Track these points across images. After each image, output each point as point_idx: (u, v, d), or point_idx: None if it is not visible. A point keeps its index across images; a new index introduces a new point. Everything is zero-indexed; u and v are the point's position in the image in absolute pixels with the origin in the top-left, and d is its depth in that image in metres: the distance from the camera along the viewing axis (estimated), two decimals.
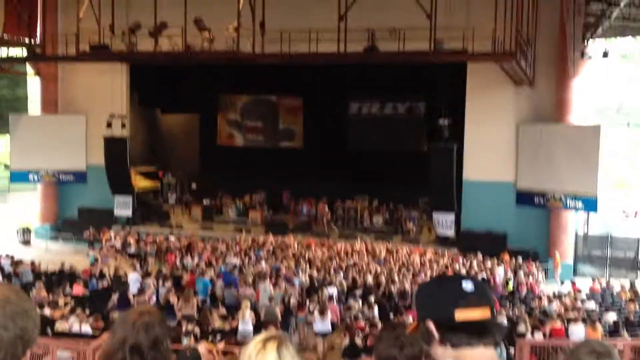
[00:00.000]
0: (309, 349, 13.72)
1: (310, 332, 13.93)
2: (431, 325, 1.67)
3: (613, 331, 12.48)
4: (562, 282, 19.71)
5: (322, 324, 13.35)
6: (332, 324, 13.70)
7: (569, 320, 12.59)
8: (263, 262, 18.98)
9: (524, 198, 22.79)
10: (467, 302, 1.64)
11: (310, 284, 16.91)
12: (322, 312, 13.37)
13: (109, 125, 24.87)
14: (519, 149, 22.94)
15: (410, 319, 12.90)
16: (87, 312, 13.21)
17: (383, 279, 17.51)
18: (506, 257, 21.27)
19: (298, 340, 13.97)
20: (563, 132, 21.96)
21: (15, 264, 18.58)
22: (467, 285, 1.66)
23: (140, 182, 28.23)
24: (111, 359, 2.37)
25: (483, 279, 17.46)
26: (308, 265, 18.83)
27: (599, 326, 12.28)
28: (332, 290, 15.62)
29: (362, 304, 15.02)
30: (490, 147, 23.11)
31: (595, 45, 21.63)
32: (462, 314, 1.63)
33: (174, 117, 32.85)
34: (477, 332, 1.62)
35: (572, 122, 22.17)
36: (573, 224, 22.75)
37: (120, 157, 25.50)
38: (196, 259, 19.60)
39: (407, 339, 2.67)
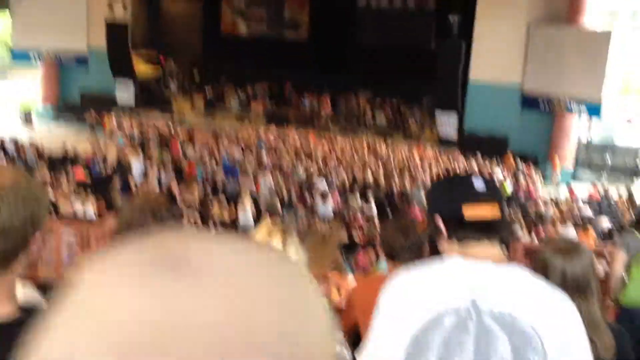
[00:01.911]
0: (312, 233, 14.26)
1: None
2: (439, 221, 1.68)
3: (606, 235, 12.69)
4: (559, 185, 19.87)
5: (324, 208, 14.26)
6: (334, 211, 14.47)
7: (563, 224, 12.80)
8: (264, 154, 19.06)
9: (529, 102, 22.56)
10: (476, 199, 1.63)
11: (307, 178, 17.04)
12: (324, 197, 14.31)
13: (110, 7, 24.22)
14: (528, 51, 22.45)
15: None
16: (91, 195, 13.39)
17: (382, 177, 17.63)
18: (509, 160, 21.36)
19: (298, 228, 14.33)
20: (573, 35, 21.42)
21: (19, 146, 18.66)
22: (477, 182, 1.65)
23: (141, 68, 27.83)
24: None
25: None
26: (308, 160, 18.91)
27: (591, 230, 12.50)
28: (323, 185, 15.87)
29: (361, 201, 15.22)
30: (499, 47, 22.59)
31: None
32: (471, 210, 1.62)
33: (177, 2, 31.90)
34: (484, 229, 1.63)
35: (584, 25, 21.57)
36: (576, 130, 22.66)
37: (122, 41, 25.05)
38: (198, 148, 19.67)
39: (411, 226, 2.71)
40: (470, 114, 23.31)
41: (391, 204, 15.66)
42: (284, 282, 0.47)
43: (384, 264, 3.16)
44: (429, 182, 16.69)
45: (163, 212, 2.41)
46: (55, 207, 12.33)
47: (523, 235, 12.17)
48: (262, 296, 0.44)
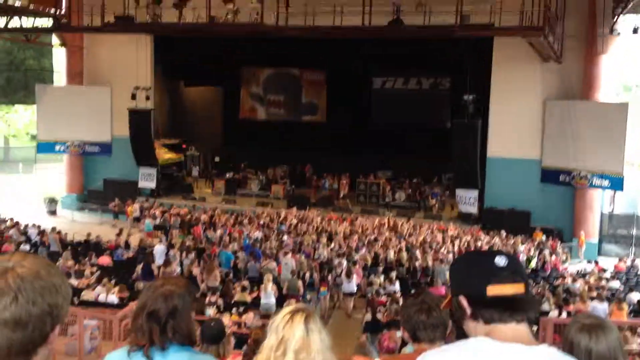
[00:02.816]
0: (338, 307, 15.21)
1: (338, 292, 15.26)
2: (463, 300, 1.66)
3: (638, 310, 12.34)
4: (588, 262, 19.56)
5: (348, 285, 14.85)
6: (357, 286, 15.09)
7: (593, 299, 12.49)
8: (285, 236, 19.08)
9: (549, 176, 22.54)
10: (500, 278, 1.62)
11: (329, 260, 16.98)
12: (349, 275, 14.83)
13: (134, 97, 25.03)
14: (545, 126, 22.64)
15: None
16: (113, 282, 13.41)
17: (405, 254, 17.50)
18: (539, 235, 21.16)
19: (321, 312, 14.18)
20: (589, 109, 21.62)
21: (42, 233, 18.89)
22: (501, 261, 1.64)
23: (164, 155, 28.45)
24: (133, 323, 2.43)
25: None
26: (329, 241, 18.87)
27: (624, 305, 12.17)
28: (343, 263, 15.98)
29: (384, 279, 15.07)
30: (515, 124, 22.84)
31: (624, 21, 21.12)
32: (495, 290, 1.61)
33: (197, 90, 32.92)
34: (510, 308, 1.60)
35: (599, 99, 21.79)
36: (599, 202, 22.48)
37: (145, 129, 25.69)
38: (219, 232, 19.75)
39: (433, 304, 2.66)
40: (490, 189, 23.28)
41: (414, 282, 15.47)
42: None
43: (410, 347, 3.09)
44: (451, 259, 16.52)
45: (176, 297, 2.41)
46: (78, 294, 12.34)
47: (552, 311, 11.87)
48: None
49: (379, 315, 12.49)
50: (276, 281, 14.07)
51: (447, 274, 14.89)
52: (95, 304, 11.94)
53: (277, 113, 32.47)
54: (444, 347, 1.62)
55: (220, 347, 4.78)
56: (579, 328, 2.29)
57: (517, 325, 1.60)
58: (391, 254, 17.49)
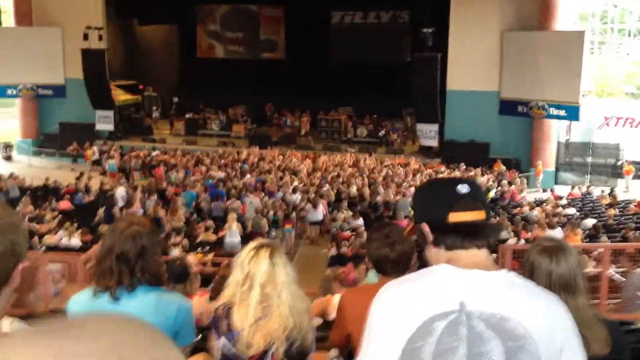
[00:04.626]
0: (304, 237, 15.80)
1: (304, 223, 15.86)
2: (425, 228, 1.68)
3: (592, 236, 12.79)
4: (543, 190, 20.08)
5: (314, 214, 15.53)
6: (323, 216, 15.64)
7: (549, 226, 12.88)
8: (248, 175, 19.05)
9: (508, 107, 22.78)
10: (461, 205, 1.63)
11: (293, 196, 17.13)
12: (315, 205, 15.46)
13: (86, 37, 24.22)
14: (503, 58, 22.72)
15: None
16: (75, 225, 13.28)
17: (367, 190, 17.69)
18: (499, 166, 21.55)
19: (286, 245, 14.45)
20: (546, 39, 21.69)
21: (0, 180, 18.48)
22: (462, 188, 1.65)
23: (120, 96, 27.80)
24: (100, 266, 2.40)
25: None
26: (292, 178, 18.92)
27: (578, 230, 12.59)
28: (296, 197, 16.51)
29: (348, 214, 15.28)
30: (474, 56, 22.86)
31: None
32: (456, 216, 1.62)
33: (152, 29, 31.92)
34: (471, 234, 1.62)
35: (556, 29, 21.88)
36: (555, 132, 22.89)
37: (99, 70, 25.01)
38: (181, 173, 19.60)
39: (397, 237, 2.69)
40: (450, 123, 23.49)
41: (377, 216, 15.72)
42: None
43: (372, 276, 3.14)
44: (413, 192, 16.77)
45: (144, 237, 2.40)
46: (40, 239, 12.20)
47: (510, 239, 12.24)
48: None
49: (344, 249, 12.72)
50: (240, 220, 14.12)
51: (409, 207, 15.26)
52: (58, 248, 11.85)
53: (236, 51, 31.85)
54: (406, 277, 1.64)
55: (187, 285, 4.81)
56: (540, 251, 2.35)
57: (478, 251, 1.63)
58: (354, 190, 17.66)
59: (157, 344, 0.58)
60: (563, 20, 22.15)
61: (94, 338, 0.50)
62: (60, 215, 14.58)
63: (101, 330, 0.53)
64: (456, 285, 1.53)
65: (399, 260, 2.68)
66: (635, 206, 16.52)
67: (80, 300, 2.42)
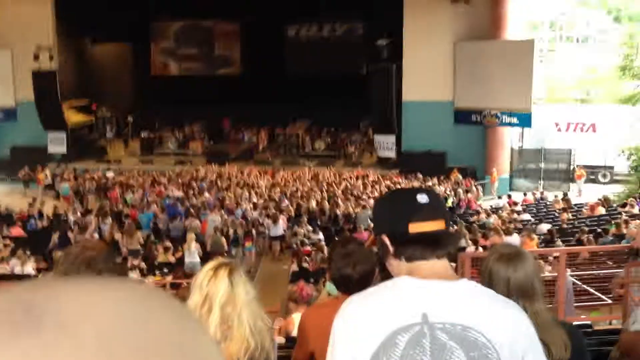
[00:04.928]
0: (265, 253, 15.75)
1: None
2: (386, 239, 1.66)
3: (548, 240, 13.05)
4: (499, 197, 20.43)
5: (275, 229, 15.53)
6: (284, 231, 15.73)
7: (506, 233, 13.10)
8: (206, 193, 18.86)
9: (462, 116, 23.14)
10: (421, 215, 1.62)
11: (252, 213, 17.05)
12: (275, 220, 15.46)
13: (36, 57, 23.75)
14: (456, 68, 23.10)
15: None
16: (28, 253, 12.91)
17: (327, 203, 17.70)
18: (455, 175, 21.84)
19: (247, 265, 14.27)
20: (498, 48, 22.17)
21: None
22: (422, 198, 1.64)
23: (73, 117, 27.21)
24: None
25: None
26: (251, 194, 18.82)
27: (534, 236, 12.83)
28: (256, 214, 16.61)
29: (307, 229, 15.25)
30: (428, 67, 23.17)
31: None
32: (416, 227, 1.62)
33: (105, 48, 31.43)
34: (431, 244, 1.62)
35: (507, 38, 22.38)
36: (509, 139, 23.34)
37: (50, 91, 24.46)
38: (137, 194, 19.29)
39: (359, 257, 2.67)
40: (406, 133, 23.73)
41: (337, 230, 15.74)
42: (148, 321, 0.41)
43: (331, 286, 3.11)
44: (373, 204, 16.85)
45: (100, 262, 2.31)
46: None
47: (468, 247, 12.38)
48: (125, 342, 0.39)
49: (305, 265, 12.68)
50: (200, 239, 13.95)
51: (369, 219, 15.32)
52: (12, 276, 11.49)
53: (191, 67, 31.68)
54: (368, 290, 1.63)
55: None
56: (497, 258, 2.36)
57: (438, 261, 1.62)
58: (313, 204, 17.65)
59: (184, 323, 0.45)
60: (513, 29, 22.67)
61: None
62: (12, 244, 14.15)
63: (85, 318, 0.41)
64: (418, 297, 1.52)
65: (361, 280, 2.66)
66: (588, 210, 16.94)
67: None
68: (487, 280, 2.32)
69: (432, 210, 1.63)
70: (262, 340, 2.41)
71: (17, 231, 15.61)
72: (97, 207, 17.87)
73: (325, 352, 1.60)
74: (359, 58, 27.98)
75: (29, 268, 12.02)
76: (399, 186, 19.75)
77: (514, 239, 12.49)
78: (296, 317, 4.96)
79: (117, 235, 14.28)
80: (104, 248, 2.46)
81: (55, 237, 14.46)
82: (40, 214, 17.45)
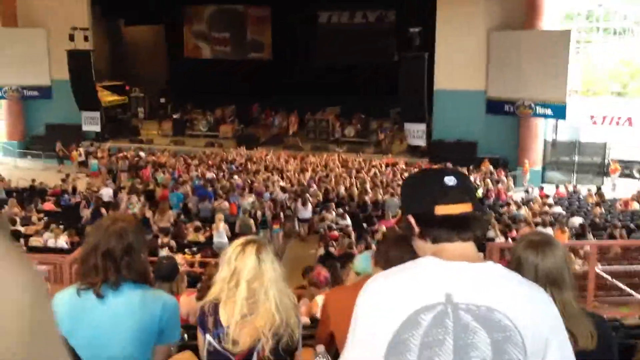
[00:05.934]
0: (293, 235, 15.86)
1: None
2: (412, 220, 1.67)
3: (580, 234, 12.86)
4: (525, 191, 20.17)
5: (304, 212, 15.85)
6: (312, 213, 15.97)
7: (537, 225, 12.94)
8: (236, 176, 18.99)
9: (494, 106, 22.87)
10: (448, 198, 1.62)
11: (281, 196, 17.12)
12: (304, 203, 15.76)
13: (72, 38, 24.08)
14: (490, 57, 22.81)
15: (383, 228, 13.16)
16: (61, 227, 13.17)
17: (355, 190, 17.69)
18: (486, 165, 21.63)
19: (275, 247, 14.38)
20: (532, 39, 21.79)
21: None
22: (450, 180, 1.64)
23: (107, 97, 27.64)
24: (85, 264, 2.36)
25: None
26: (280, 178, 18.90)
27: (566, 229, 12.66)
28: (285, 196, 16.73)
29: (336, 214, 15.26)
30: (461, 56, 22.92)
31: None
32: (443, 209, 1.62)
33: (138, 30, 31.80)
34: (457, 227, 1.62)
35: (542, 28, 22.00)
36: (542, 130, 23.01)
37: (85, 71, 24.84)
38: (169, 174, 19.51)
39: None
40: (437, 121, 23.56)
41: (365, 216, 15.71)
42: None
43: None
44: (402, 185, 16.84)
45: (130, 235, 2.37)
46: (26, 240, 12.09)
47: (497, 238, 12.27)
48: None
49: (332, 249, 12.70)
50: (228, 221, 14.07)
51: (398, 206, 15.28)
52: (45, 249, 11.74)
53: (223, 51, 31.79)
54: (392, 269, 1.63)
55: (174, 284, 4.78)
56: (526, 245, 2.35)
57: (464, 243, 1.62)
58: (342, 190, 17.66)
59: None
60: (549, 19, 22.26)
61: None
62: (46, 217, 14.46)
63: None
64: (442, 277, 1.52)
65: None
66: (622, 205, 16.65)
67: (65, 299, 2.38)
68: (515, 266, 2.31)
69: (459, 193, 1.63)
70: (287, 316, 2.44)
71: (49, 206, 15.93)
72: (129, 185, 18.13)
73: (344, 334, 1.62)
74: (391, 46, 27.81)
75: (62, 241, 12.25)
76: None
77: (546, 231, 12.34)
78: (319, 299, 5.00)
79: (148, 213, 14.46)
80: (133, 221, 2.51)
81: (87, 212, 14.72)
82: (74, 190, 17.78)
